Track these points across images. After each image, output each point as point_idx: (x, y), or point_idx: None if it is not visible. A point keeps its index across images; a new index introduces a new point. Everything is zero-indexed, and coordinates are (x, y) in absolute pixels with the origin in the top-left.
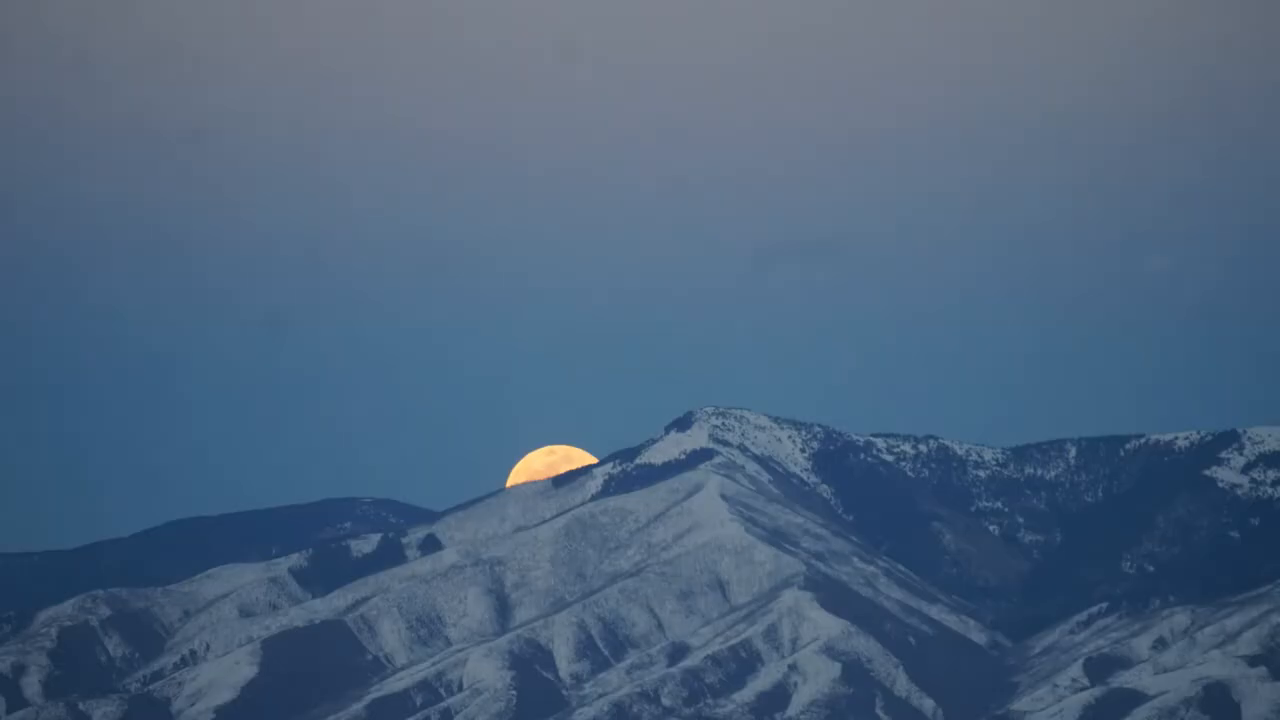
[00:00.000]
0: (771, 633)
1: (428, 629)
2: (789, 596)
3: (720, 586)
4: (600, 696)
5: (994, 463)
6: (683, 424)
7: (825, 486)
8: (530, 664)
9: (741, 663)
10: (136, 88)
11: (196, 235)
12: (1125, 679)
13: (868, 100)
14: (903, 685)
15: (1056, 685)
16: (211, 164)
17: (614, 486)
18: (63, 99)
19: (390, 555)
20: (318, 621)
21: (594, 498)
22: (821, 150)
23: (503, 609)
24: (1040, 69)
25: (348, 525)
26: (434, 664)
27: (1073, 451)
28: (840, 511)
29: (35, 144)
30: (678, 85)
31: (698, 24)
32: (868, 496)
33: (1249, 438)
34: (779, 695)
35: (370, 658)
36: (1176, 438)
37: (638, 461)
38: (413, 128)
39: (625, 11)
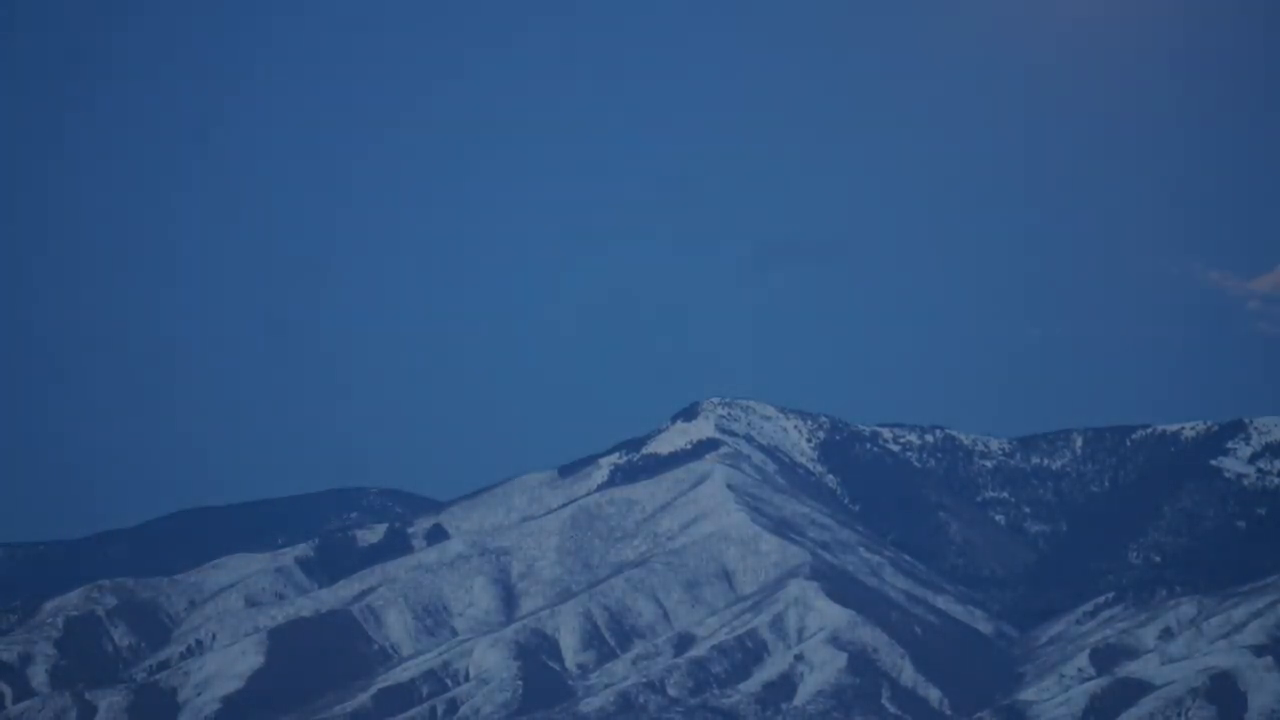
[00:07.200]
0: (778, 623)
1: (434, 619)
2: (795, 586)
3: (726, 576)
4: (606, 687)
5: (1000, 453)
6: (689, 414)
7: (831, 476)
8: (536, 654)
9: (748, 653)
10: (137, 87)
11: (199, 232)
12: (1132, 669)
13: (870, 100)
14: (909, 675)
15: (1063, 675)
16: (213, 164)
17: (620, 476)
18: (63, 99)
19: (396, 545)
20: (324, 611)
21: (600, 488)
22: (822, 150)
23: (509, 599)
24: (1042, 67)
25: (354, 515)
26: (440, 654)
27: (1079, 442)
28: (846, 501)
29: (35, 143)
30: (681, 83)
31: (698, 22)
32: (874, 486)
33: (1255, 428)
34: (785, 685)
35: (376, 647)
36: (1183, 428)
37: (644, 451)
38: (413, 127)
39: (626, 9)
